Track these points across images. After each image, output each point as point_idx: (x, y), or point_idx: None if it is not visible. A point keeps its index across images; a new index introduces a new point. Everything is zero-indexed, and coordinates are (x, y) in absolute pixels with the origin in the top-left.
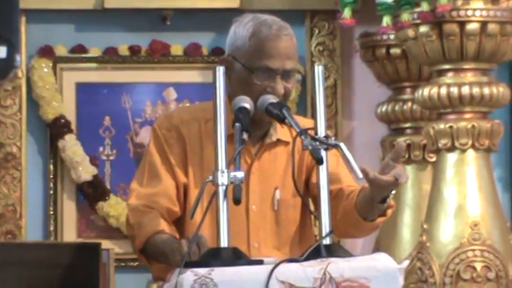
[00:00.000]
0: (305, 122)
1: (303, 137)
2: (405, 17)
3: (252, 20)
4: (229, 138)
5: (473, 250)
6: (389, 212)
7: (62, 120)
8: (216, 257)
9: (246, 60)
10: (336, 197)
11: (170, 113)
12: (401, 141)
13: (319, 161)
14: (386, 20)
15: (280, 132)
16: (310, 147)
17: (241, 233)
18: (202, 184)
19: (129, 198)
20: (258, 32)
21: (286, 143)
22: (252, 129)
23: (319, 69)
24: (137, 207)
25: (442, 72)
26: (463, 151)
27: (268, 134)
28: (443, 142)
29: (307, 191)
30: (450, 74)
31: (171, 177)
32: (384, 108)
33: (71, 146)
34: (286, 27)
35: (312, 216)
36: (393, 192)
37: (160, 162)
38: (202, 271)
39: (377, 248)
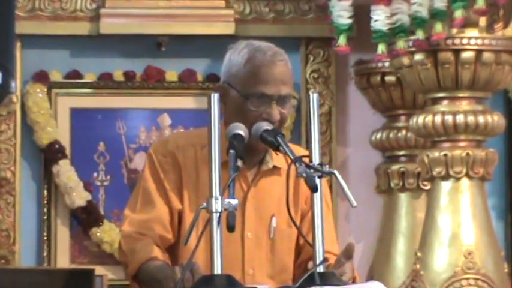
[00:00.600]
0: (299, 151)
1: (297, 164)
2: (400, 44)
3: (246, 47)
4: (224, 164)
5: (467, 279)
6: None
7: (56, 146)
8: (209, 284)
9: (241, 87)
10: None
11: (166, 139)
12: (351, 243)
13: (314, 189)
14: (381, 48)
15: (276, 159)
16: (304, 175)
17: (236, 260)
18: (197, 210)
19: (122, 224)
20: (253, 59)
21: (283, 170)
22: (247, 156)
23: (313, 97)
24: (130, 234)
25: (436, 100)
26: (458, 179)
27: (264, 161)
28: (437, 170)
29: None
30: (445, 102)
31: (165, 204)
32: (378, 136)
33: (65, 171)
34: (281, 53)
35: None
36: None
37: (155, 188)
38: None
39: (371, 276)
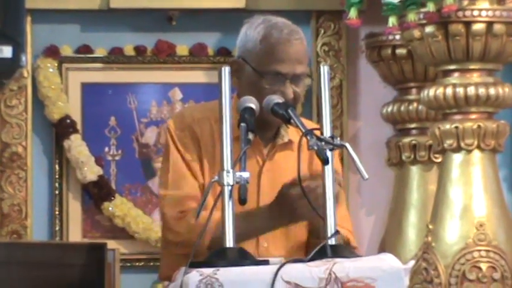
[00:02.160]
0: (310, 125)
1: (308, 137)
2: (411, 17)
3: (263, 23)
4: (237, 138)
5: (478, 250)
6: None
7: (68, 121)
8: (221, 257)
9: (256, 64)
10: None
11: (181, 113)
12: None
13: (325, 162)
14: (392, 21)
15: (291, 133)
16: (315, 148)
17: None
18: (208, 183)
19: (161, 205)
20: (269, 36)
21: (295, 144)
22: (261, 131)
23: (324, 70)
24: (174, 215)
25: (447, 73)
26: (469, 151)
27: (279, 135)
28: (448, 142)
29: None
30: (456, 75)
31: (194, 177)
32: (389, 109)
33: (77, 146)
34: (297, 31)
35: None
36: None
37: (182, 163)
38: (207, 271)
39: (382, 248)
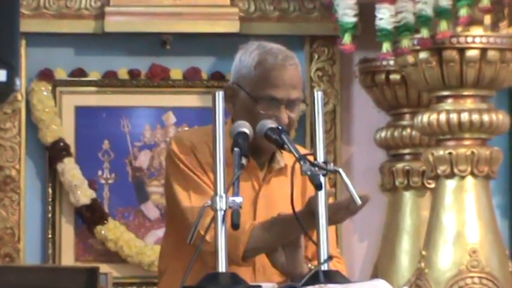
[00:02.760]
0: (303, 151)
1: (302, 162)
2: (405, 43)
3: (257, 49)
4: (231, 164)
5: (471, 277)
6: None
7: (61, 144)
8: (213, 281)
9: (251, 89)
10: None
11: (179, 138)
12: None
13: (318, 187)
14: (386, 46)
15: (286, 158)
16: (309, 173)
17: None
18: (201, 208)
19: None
20: (264, 61)
21: (289, 169)
22: (256, 156)
23: (318, 95)
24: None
25: (441, 99)
26: (462, 178)
27: (275, 160)
28: (442, 168)
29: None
30: (449, 101)
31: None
32: (383, 134)
33: (70, 169)
34: (292, 56)
35: None
36: None
37: (193, 175)
38: None
39: (375, 274)
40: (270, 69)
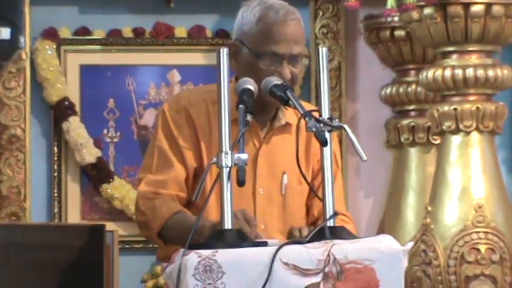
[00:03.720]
0: (309, 107)
1: (307, 118)
2: None
3: (259, 5)
4: (235, 121)
5: (477, 232)
6: None
7: (66, 103)
8: (220, 238)
9: (252, 45)
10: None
11: (178, 95)
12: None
13: (323, 143)
14: (390, 2)
15: (289, 115)
16: (314, 129)
17: None
18: (207, 166)
19: (138, 185)
20: (265, 17)
21: (294, 127)
22: (259, 113)
23: (323, 52)
24: (146, 194)
25: (446, 55)
26: (467, 133)
27: (276, 118)
28: (447, 124)
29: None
30: (454, 56)
31: (181, 162)
32: (388, 91)
33: (75, 128)
34: (293, 11)
35: None
36: None
37: (170, 147)
38: (206, 253)
39: (381, 230)
40: (272, 25)
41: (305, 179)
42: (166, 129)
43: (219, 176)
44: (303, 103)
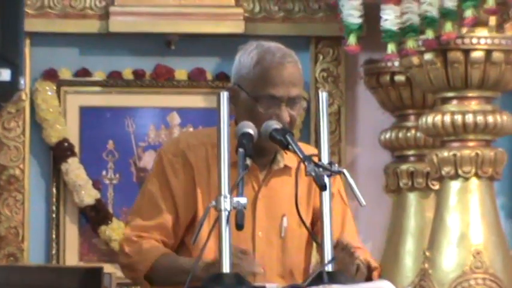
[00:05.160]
0: (308, 149)
1: (306, 163)
2: (410, 44)
3: (256, 48)
4: (234, 164)
5: (475, 278)
6: (375, 274)
7: (65, 144)
8: (218, 282)
9: (250, 89)
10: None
11: (177, 139)
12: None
13: (323, 188)
14: (391, 47)
15: (287, 158)
16: (313, 174)
17: None
18: (206, 209)
19: (125, 228)
20: (262, 60)
21: (294, 170)
22: (258, 157)
23: (323, 96)
24: (130, 237)
25: (446, 100)
26: (466, 179)
27: (275, 161)
28: (446, 170)
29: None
30: (454, 102)
31: (170, 209)
32: (387, 135)
33: (74, 169)
34: (290, 54)
35: None
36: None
37: (161, 192)
38: None
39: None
40: (269, 68)
41: (303, 223)
42: (160, 173)
43: (217, 219)
44: (303, 145)
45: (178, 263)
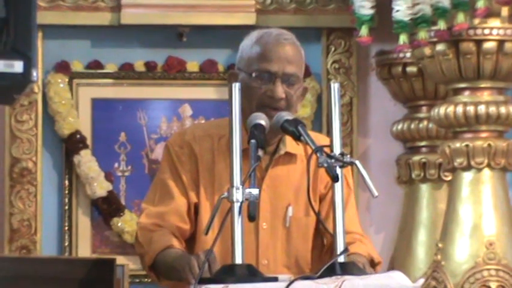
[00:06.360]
0: (320, 138)
1: (318, 154)
2: (422, 35)
3: (256, 32)
4: (242, 153)
5: (488, 269)
6: (377, 269)
7: (78, 136)
8: (230, 273)
9: (247, 67)
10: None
11: (184, 130)
12: None
13: (335, 179)
14: (402, 38)
15: (290, 145)
16: (325, 165)
17: (249, 251)
18: (218, 200)
19: (139, 217)
20: (259, 40)
21: (299, 157)
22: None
23: (335, 87)
24: (146, 226)
25: (458, 91)
26: (479, 170)
27: (278, 149)
28: (459, 161)
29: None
30: (466, 93)
31: (183, 194)
32: (399, 127)
33: (86, 161)
34: (288, 34)
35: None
36: None
37: (172, 180)
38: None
39: (392, 267)
40: (265, 45)
41: (316, 214)
42: (170, 163)
43: (230, 210)
44: (316, 134)
45: (170, 257)
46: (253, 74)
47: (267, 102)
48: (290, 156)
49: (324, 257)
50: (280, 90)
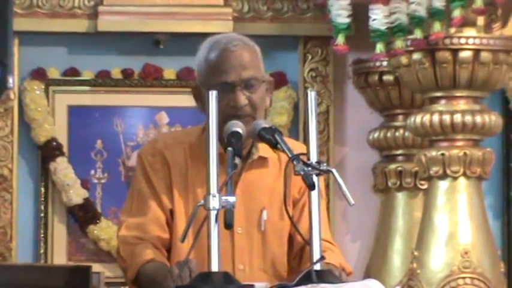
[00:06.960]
0: (296, 145)
1: (295, 162)
2: (398, 44)
3: (207, 42)
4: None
5: (463, 278)
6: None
7: (54, 143)
8: (206, 281)
9: (205, 82)
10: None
11: (154, 139)
12: None
13: (311, 187)
14: (379, 47)
15: (262, 149)
16: (302, 173)
17: (225, 256)
18: (194, 207)
19: (119, 229)
20: (210, 53)
21: (270, 160)
22: None
23: (311, 95)
24: (127, 239)
25: (434, 100)
26: (455, 179)
27: (250, 154)
28: (434, 169)
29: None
30: (442, 102)
31: (160, 204)
32: (375, 135)
33: (63, 168)
34: (237, 39)
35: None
36: None
37: (148, 189)
38: None
39: (368, 275)
40: (215, 58)
41: (291, 220)
42: (144, 173)
43: (206, 218)
44: (293, 141)
45: (152, 272)
46: (212, 90)
47: (232, 112)
48: (263, 160)
49: (293, 262)
50: (241, 98)
